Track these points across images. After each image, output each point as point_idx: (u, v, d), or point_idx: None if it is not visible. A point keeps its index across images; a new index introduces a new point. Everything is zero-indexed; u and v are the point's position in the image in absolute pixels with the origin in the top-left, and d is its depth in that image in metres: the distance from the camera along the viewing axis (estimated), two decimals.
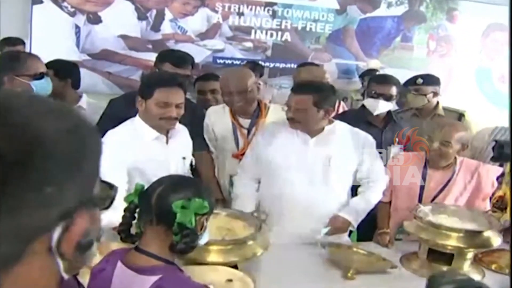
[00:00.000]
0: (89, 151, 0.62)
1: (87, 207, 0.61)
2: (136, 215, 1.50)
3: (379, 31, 5.81)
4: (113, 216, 1.82)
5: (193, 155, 2.57)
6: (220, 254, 1.95)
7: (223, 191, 2.88)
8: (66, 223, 0.58)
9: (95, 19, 4.94)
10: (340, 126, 2.58)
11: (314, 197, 2.50)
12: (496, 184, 2.62)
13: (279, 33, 5.53)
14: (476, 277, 2.26)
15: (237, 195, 2.60)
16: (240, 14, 5.36)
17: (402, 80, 3.67)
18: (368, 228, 2.74)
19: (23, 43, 4.15)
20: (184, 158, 2.43)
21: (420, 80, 3.40)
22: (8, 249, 0.55)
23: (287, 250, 2.37)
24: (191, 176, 2.44)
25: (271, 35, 5.52)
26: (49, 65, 2.81)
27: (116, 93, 3.97)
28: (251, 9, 5.38)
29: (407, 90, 3.41)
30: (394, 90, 3.05)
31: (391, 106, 3.09)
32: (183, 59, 2.88)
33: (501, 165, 2.62)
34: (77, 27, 4.91)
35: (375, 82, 3.17)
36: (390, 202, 2.77)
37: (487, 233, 2.26)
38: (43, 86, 2.39)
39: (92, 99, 3.29)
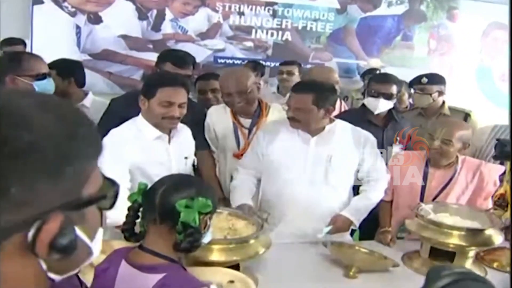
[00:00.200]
0: (77, 153, 0.61)
1: (70, 208, 0.61)
2: (140, 214, 1.51)
3: (379, 30, 5.82)
4: (116, 214, 1.83)
5: (194, 154, 2.58)
6: (222, 253, 1.95)
7: (224, 191, 2.88)
8: (41, 224, 0.58)
9: (95, 19, 4.95)
10: (341, 125, 2.58)
11: (315, 196, 2.50)
12: (498, 183, 2.61)
13: (280, 32, 5.54)
14: None
15: (234, 187, 2.58)
16: (241, 13, 5.37)
17: (403, 79, 3.67)
18: (370, 227, 2.74)
19: (23, 43, 4.16)
20: (186, 157, 2.44)
21: (424, 80, 3.39)
22: None
23: (289, 249, 2.37)
24: (193, 175, 2.45)
25: (272, 35, 5.53)
26: (52, 64, 2.82)
27: (117, 93, 3.98)
28: (251, 9, 5.39)
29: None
30: (394, 89, 3.05)
31: (391, 105, 3.09)
32: (184, 59, 2.89)
33: (502, 163, 2.62)
34: (77, 27, 4.92)
35: (375, 81, 3.17)
36: (391, 201, 2.78)
37: (489, 231, 2.26)
38: (45, 87, 2.40)
39: None
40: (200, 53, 5.13)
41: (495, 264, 2.37)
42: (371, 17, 5.75)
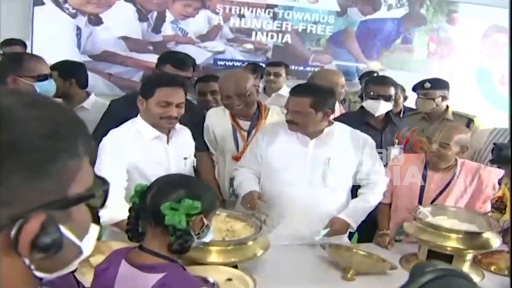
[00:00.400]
0: (58, 153, 0.61)
1: (54, 207, 0.61)
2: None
3: (379, 33, 5.83)
4: (110, 213, 1.86)
5: (194, 156, 2.58)
6: (220, 255, 1.96)
7: (223, 193, 2.88)
8: (22, 223, 0.59)
9: (96, 21, 4.96)
10: (340, 128, 2.59)
11: (313, 199, 2.51)
12: (497, 186, 2.62)
13: (280, 35, 5.55)
14: (476, 278, 2.27)
15: (240, 182, 2.57)
16: (241, 16, 5.38)
17: (402, 82, 3.68)
18: (369, 229, 2.74)
19: (23, 44, 4.16)
20: (185, 158, 2.44)
21: (428, 85, 3.39)
22: None
23: (287, 251, 2.37)
24: (192, 176, 2.45)
25: (272, 37, 5.54)
26: (54, 66, 2.83)
27: (117, 94, 3.99)
28: (251, 11, 5.40)
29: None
30: (392, 91, 3.07)
31: (391, 106, 3.10)
32: (184, 61, 2.90)
33: (499, 167, 2.63)
34: (78, 28, 4.93)
35: (373, 83, 3.17)
36: (390, 204, 2.78)
37: (487, 235, 2.26)
38: (46, 88, 2.41)
39: None
40: (200, 55, 5.14)
41: (492, 268, 2.37)
42: (371, 20, 5.76)
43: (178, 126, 2.42)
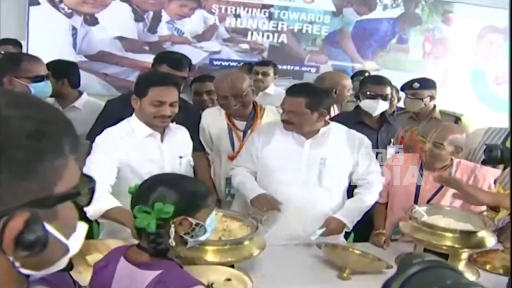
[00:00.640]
0: (43, 152, 0.62)
1: (39, 205, 0.61)
2: None
3: (375, 33, 5.83)
4: (95, 207, 1.87)
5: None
6: (216, 254, 1.96)
7: (218, 193, 2.89)
8: (6, 220, 0.59)
9: (92, 21, 4.94)
10: (336, 128, 2.60)
11: (309, 198, 2.52)
12: (493, 186, 2.63)
13: (276, 35, 5.55)
14: (471, 277, 2.28)
15: (242, 182, 2.57)
16: (237, 16, 5.37)
17: (398, 82, 3.69)
18: (365, 229, 2.75)
19: (17, 43, 4.14)
20: (181, 157, 2.44)
21: (416, 85, 3.42)
22: None
23: (283, 251, 2.38)
24: (190, 175, 2.44)
25: (268, 37, 5.53)
26: (47, 66, 2.82)
27: (113, 95, 3.98)
28: (247, 11, 5.39)
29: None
30: (388, 90, 3.09)
31: (388, 105, 3.11)
32: (180, 61, 2.90)
33: (494, 167, 2.64)
34: (74, 28, 4.91)
35: (370, 83, 3.18)
36: (386, 203, 2.79)
37: (482, 234, 2.27)
38: (42, 89, 2.40)
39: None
40: (196, 55, 5.13)
41: (488, 266, 2.37)
42: (366, 20, 5.77)
43: (174, 125, 2.43)
